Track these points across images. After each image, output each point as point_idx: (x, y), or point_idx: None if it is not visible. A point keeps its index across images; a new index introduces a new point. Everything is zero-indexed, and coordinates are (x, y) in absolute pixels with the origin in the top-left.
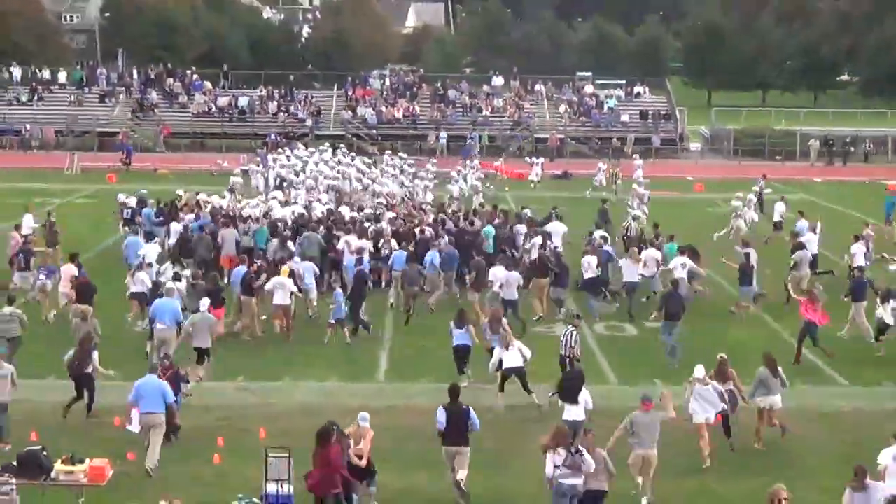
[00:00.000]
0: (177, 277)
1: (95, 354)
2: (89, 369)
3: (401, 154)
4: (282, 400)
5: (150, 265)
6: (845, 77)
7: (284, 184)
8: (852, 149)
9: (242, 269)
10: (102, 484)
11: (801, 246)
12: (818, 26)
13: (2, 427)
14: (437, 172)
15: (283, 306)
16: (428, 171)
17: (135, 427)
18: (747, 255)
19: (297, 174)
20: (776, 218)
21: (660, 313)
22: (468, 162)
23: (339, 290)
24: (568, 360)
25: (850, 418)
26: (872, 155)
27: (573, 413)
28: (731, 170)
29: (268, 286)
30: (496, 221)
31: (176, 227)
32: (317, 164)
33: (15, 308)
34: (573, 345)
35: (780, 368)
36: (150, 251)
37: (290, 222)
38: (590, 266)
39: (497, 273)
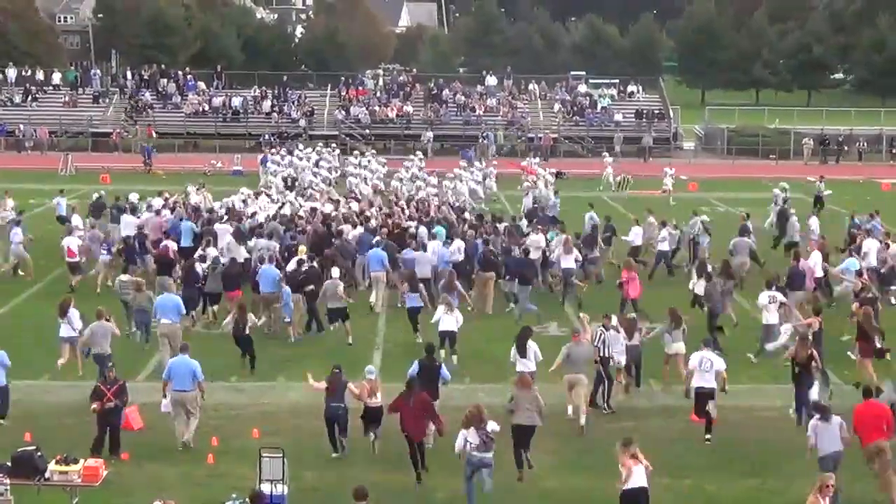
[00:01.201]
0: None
1: None
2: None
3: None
4: (275, 400)
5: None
6: (839, 76)
7: (296, 184)
8: (846, 147)
9: (270, 267)
10: (96, 484)
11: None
12: (811, 25)
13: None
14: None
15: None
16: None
17: (166, 406)
18: None
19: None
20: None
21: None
22: (477, 163)
23: (286, 289)
24: (602, 360)
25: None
26: (866, 153)
27: (524, 365)
28: (724, 169)
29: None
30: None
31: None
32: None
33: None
34: (598, 344)
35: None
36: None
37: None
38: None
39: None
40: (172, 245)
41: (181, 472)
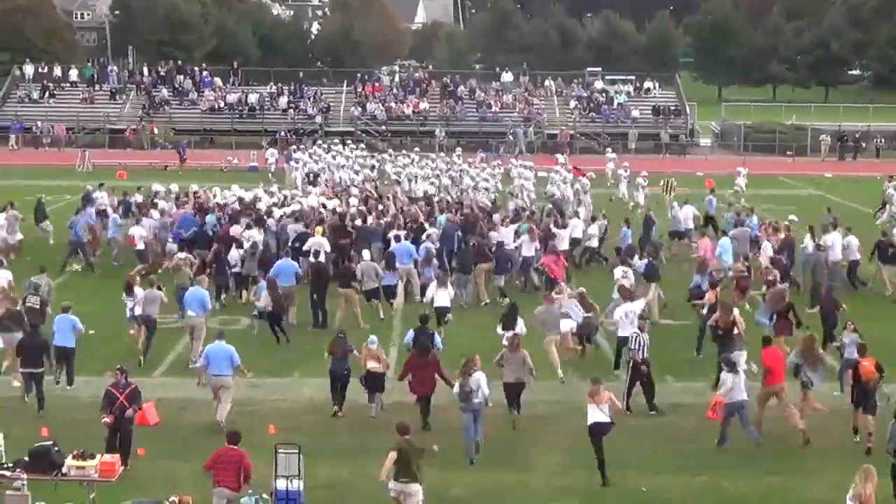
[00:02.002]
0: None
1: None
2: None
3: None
4: (291, 396)
5: None
6: (856, 72)
7: (318, 178)
8: (864, 144)
9: (287, 261)
10: (113, 479)
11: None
12: (828, 21)
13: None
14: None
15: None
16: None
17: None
18: None
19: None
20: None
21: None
22: (514, 159)
23: (262, 282)
24: (632, 362)
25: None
26: (884, 150)
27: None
28: (741, 165)
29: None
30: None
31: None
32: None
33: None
34: (634, 347)
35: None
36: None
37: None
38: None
39: None
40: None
41: (196, 467)
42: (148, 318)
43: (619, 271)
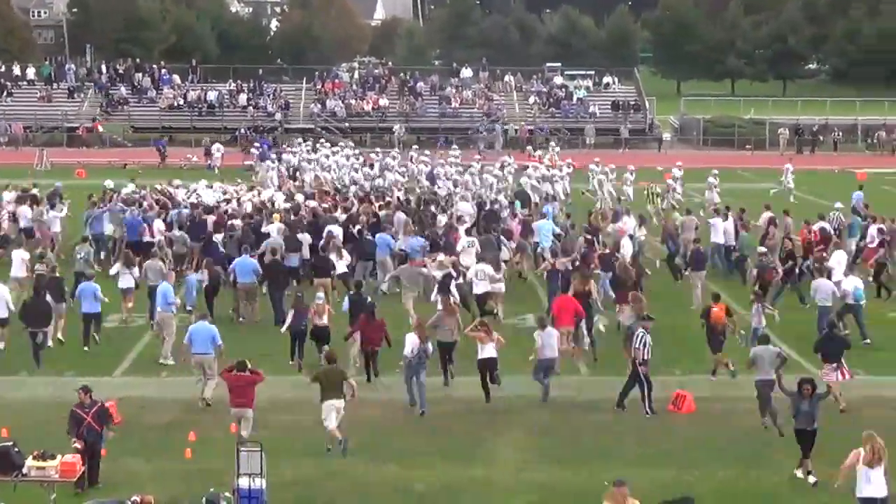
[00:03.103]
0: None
1: None
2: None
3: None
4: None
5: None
6: (813, 66)
7: (298, 174)
8: (821, 138)
9: (245, 258)
10: (74, 480)
11: None
12: (785, 16)
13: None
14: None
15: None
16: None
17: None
18: None
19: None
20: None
21: None
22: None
23: (191, 276)
24: (634, 362)
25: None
26: (842, 143)
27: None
28: (700, 159)
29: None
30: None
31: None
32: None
33: None
34: (638, 346)
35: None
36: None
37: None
38: None
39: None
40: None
41: (158, 467)
42: (152, 288)
43: (464, 241)
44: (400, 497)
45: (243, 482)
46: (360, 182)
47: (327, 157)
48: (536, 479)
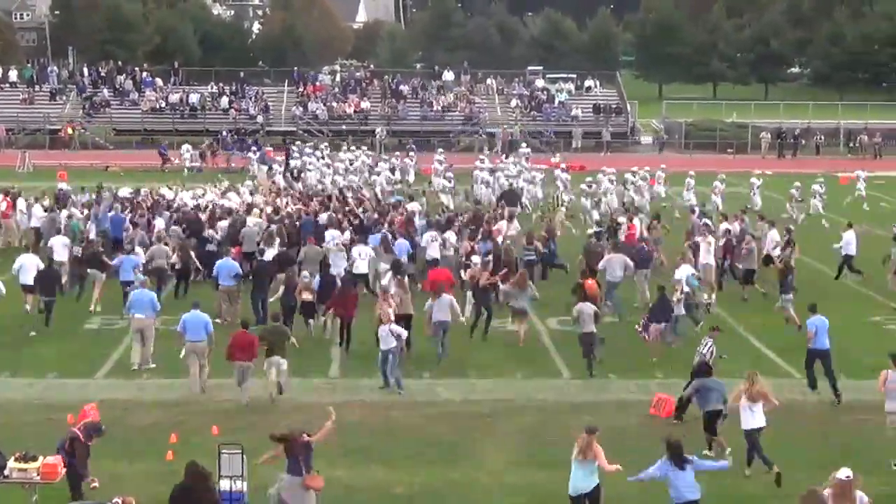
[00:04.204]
0: None
1: None
2: None
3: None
4: (235, 396)
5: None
6: (796, 69)
7: (302, 175)
8: (803, 141)
9: (227, 260)
10: (55, 481)
11: None
12: (768, 19)
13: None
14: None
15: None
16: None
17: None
18: None
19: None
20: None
21: None
22: (518, 159)
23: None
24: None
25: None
26: (824, 147)
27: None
28: (682, 163)
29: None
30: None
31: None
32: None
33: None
34: (704, 352)
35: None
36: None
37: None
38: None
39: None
40: None
41: (140, 468)
42: (158, 270)
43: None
44: (384, 500)
45: (224, 484)
46: (383, 185)
47: (351, 161)
48: (522, 481)
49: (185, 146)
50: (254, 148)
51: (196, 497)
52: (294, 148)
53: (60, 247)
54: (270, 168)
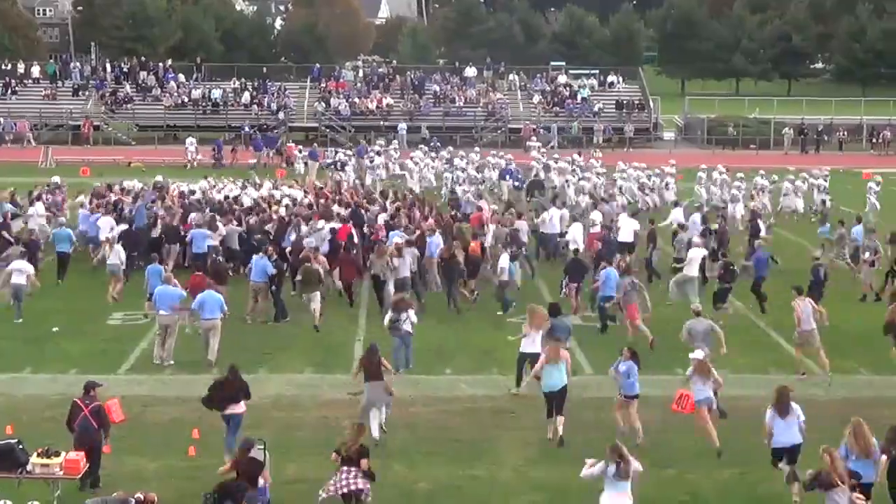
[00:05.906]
0: None
1: None
2: None
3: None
4: (257, 392)
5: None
6: (819, 65)
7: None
8: (826, 137)
9: (260, 257)
10: (77, 477)
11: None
12: (791, 14)
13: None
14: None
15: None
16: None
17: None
18: None
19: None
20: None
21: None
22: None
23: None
24: None
25: (833, 407)
26: (847, 143)
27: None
28: (704, 159)
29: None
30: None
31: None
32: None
33: None
34: None
35: None
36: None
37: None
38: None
39: None
40: None
41: (162, 464)
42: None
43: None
44: (405, 496)
45: None
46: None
47: (426, 162)
48: (544, 477)
49: (190, 139)
50: (305, 151)
51: (231, 384)
52: (376, 147)
53: (107, 228)
54: (332, 165)
